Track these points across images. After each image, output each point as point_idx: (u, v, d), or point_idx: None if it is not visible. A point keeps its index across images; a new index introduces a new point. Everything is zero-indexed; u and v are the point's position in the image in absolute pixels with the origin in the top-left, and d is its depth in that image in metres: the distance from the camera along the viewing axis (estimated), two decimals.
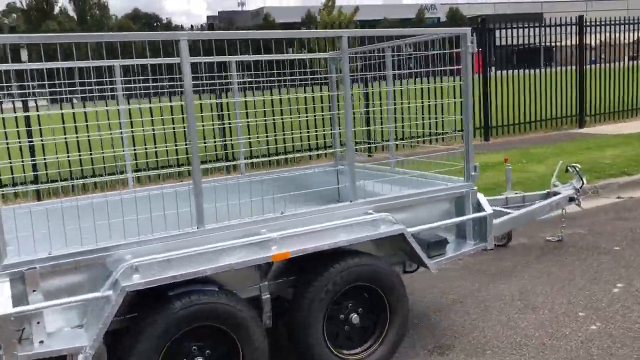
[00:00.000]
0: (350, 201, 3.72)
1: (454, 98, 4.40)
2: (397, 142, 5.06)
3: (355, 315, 3.58)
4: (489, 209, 4.12)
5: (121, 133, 4.67)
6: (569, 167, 6.13)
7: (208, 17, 66.55)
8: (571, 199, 5.92)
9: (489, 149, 11.87)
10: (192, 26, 15.68)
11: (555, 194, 6.00)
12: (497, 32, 14.19)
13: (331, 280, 3.42)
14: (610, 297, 4.62)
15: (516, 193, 6.11)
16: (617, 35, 15.40)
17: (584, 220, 6.94)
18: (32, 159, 8.42)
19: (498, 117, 13.56)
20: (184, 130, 5.82)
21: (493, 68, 14.78)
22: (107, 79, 4.73)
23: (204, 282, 3.17)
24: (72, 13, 60.28)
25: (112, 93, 4.81)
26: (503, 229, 5.03)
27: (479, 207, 4.16)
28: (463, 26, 4.39)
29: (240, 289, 3.36)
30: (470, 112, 4.13)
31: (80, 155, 7.05)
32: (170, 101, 8.78)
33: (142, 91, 5.27)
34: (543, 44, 15.79)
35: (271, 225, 3.44)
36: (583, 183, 6.03)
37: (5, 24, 70.13)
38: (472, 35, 4.05)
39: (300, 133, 6.49)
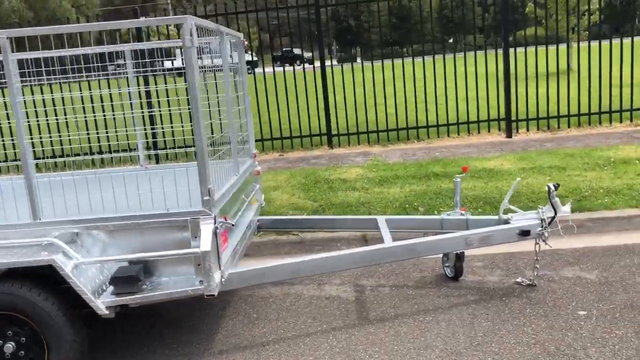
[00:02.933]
0: (34, 220, 3.38)
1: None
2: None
3: (11, 345, 3.30)
4: (204, 246, 3.25)
5: None
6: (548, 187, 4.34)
7: None
8: (524, 233, 4.21)
9: (632, 140, 8.92)
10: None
11: (507, 222, 4.36)
12: None
13: None
14: None
15: (462, 214, 4.61)
16: None
17: (624, 260, 4.85)
18: None
19: None
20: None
21: None
22: None
23: None
24: None
25: None
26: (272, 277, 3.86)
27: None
28: None
29: None
30: (201, 122, 3.28)
31: None
32: None
33: None
34: None
35: None
36: (556, 213, 4.22)
37: None
38: (191, 25, 3.16)
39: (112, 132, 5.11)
